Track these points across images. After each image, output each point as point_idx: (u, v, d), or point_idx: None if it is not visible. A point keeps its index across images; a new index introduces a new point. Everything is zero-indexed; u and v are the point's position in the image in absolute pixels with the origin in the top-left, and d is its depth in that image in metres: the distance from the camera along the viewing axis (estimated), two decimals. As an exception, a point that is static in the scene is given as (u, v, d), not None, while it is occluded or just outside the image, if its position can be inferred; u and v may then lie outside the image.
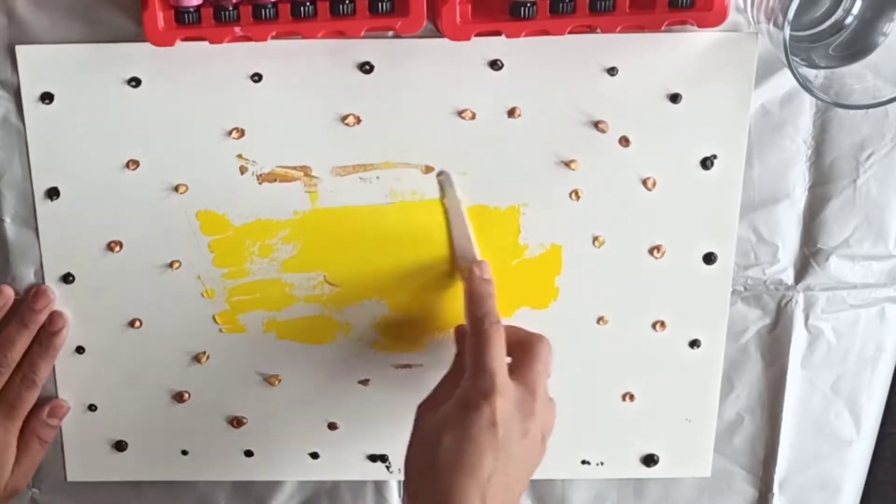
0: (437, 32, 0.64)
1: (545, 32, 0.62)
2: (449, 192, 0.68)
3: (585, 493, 0.77)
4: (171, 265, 0.70)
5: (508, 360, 0.64)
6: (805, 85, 0.58)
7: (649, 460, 0.75)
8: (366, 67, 0.65)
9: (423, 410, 0.64)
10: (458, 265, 0.69)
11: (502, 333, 0.63)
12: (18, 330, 0.69)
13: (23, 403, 0.70)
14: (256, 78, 0.66)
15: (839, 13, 0.62)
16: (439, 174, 0.67)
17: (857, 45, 0.62)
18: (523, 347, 0.65)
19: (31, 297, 0.69)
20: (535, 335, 0.66)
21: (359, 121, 0.67)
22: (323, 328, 0.72)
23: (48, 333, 0.70)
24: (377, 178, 0.68)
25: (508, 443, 0.60)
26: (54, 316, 0.70)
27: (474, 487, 0.58)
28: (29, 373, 0.70)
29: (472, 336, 0.63)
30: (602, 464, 0.76)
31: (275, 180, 0.68)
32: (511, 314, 0.72)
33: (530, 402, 0.62)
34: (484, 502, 0.58)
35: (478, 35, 0.62)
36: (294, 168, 0.67)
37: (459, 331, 0.69)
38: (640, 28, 0.63)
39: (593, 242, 0.70)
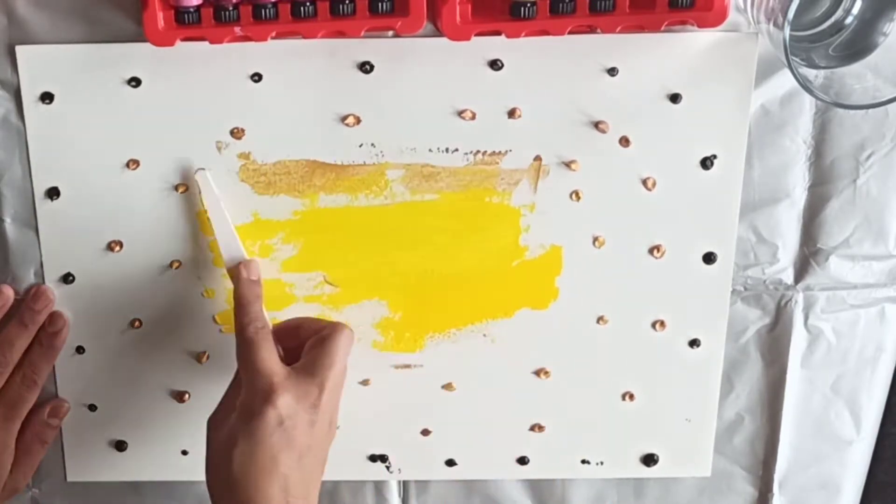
0: (437, 32, 0.64)
1: (545, 32, 0.62)
2: (206, 190, 0.67)
3: (585, 492, 0.77)
4: (171, 265, 0.70)
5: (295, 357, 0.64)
6: (805, 85, 0.58)
7: (649, 460, 0.75)
8: (366, 67, 0.65)
9: (212, 426, 0.64)
10: (226, 266, 0.68)
11: (270, 335, 0.64)
12: (18, 330, 0.69)
13: (23, 403, 0.70)
14: (256, 78, 0.66)
15: (839, 13, 0.62)
16: (196, 171, 0.67)
17: (857, 45, 0.62)
18: (319, 341, 0.65)
19: (30, 297, 0.69)
20: (333, 326, 0.65)
21: (359, 121, 0.67)
22: (323, 328, 0.72)
23: (48, 334, 0.70)
24: (378, 177, 0.68)
25: (297, 437, 0.61)
26: (54, 316, 0.70)
27: (275, 488, 0.60)
28: (29, 373, 0.70)
29: (240, 343, 0.64)
30: (602, 463, 0.76)
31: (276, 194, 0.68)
32: (511, 315, 0.72)
33: (315, 394, 0.62)
34: (287, 500, 0.60)
35: (478, 35, 0.62)
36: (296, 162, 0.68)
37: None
38: (640, 28, 0.63)
39: (593, 243, 0.70)
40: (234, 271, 0.67)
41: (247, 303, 0.65)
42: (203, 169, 0.67)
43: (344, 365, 0.65)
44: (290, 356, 0.66)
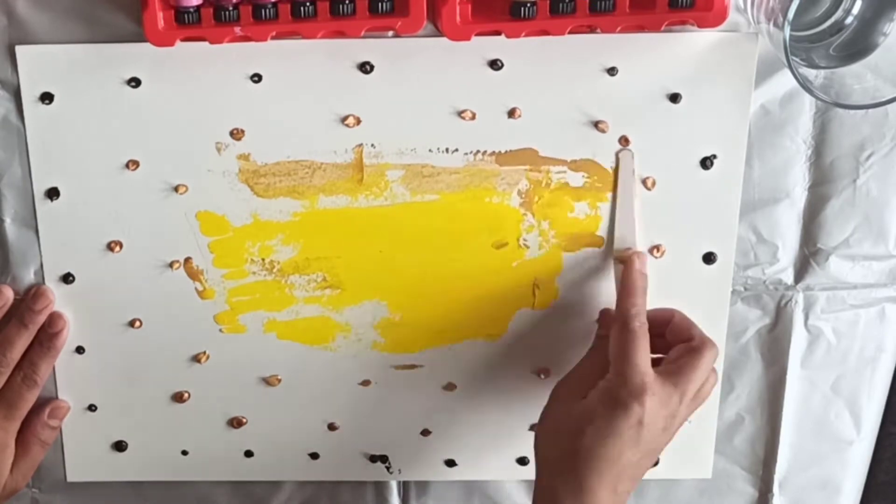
0: (437, 32, 0.64)
1: (545, 32, 0.62)
2: (625, 168, 0.67)
3: (585, 493, 0.77)
4: (171, 265, 0.70)
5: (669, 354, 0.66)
6: (805, 85, 0.58)
7: (649, 460, 0.75)
8: (366, 67, 0.65)
9: (563, 394, 0.66)
10: (615, 247, 0.69)
11: (647, 334, 0.64)
12: (18, 330, 0.69)
13: (23, 404, 0.70)
14: (256, 78, 0.66)
15: (839, 13, 0.62)
16: (620, 151, 0.67)
17: (857, 45, 0.62)
18: (689, 348, 0.66)
19: (30, 297, 0.69)
20: (706, 342, 0.66)
21: (359, 121, 0.67)
22: (323, 329, 0.72)
23: (48, 334, 0.70)
24: (378, 178, 0.68)
25: (649, 440, 0.63)
26: (54, 317, 0.70)
27: (610, 477, 0.62)
28: (29, 373, 0.70)
29: (621, 331, 0.64)
30: (602, 464, 0.76)
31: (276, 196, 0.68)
32: (511, 315, 0.72)
33: (676, 402, 0.64)
34: (616, 490, 0.62)
35: (478, 35, 0.62)
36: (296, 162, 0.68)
37: (605, 314, 0.70)
38: (640, 28, 0.63)
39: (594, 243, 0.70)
40: (626, 257, 0.68)
41: (636, 293, 0.66)
42: (629, 150, 0.67)
43: (704, 379, 0.66)
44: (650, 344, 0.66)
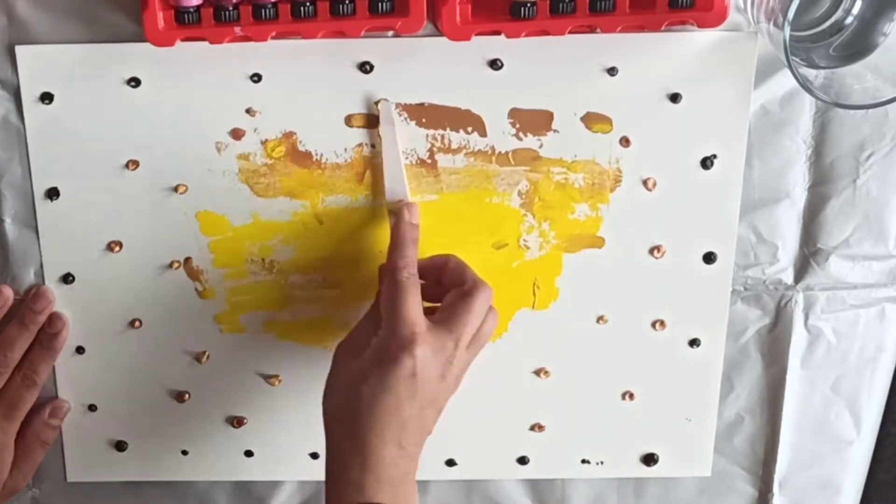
0: (437, 32, 0.64)
1: (545, 32, 0.62)
2: (385, 119, 0.66)
3: (585, 492, 0.77)
4: (171, 265, 0.70)
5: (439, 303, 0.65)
6: (805, 85, 0.58)
7: (649, 459, 0.75)
8: (366, 67, 0.65)
9: (342, 355, 0.65)
10: (386, 199, 0.68)
11: (418, 284, 0.64)
12: (18, 330, 0.69)
13: (22, 404, 0.70)
14: (256, 78, 0.66)
15: (839, 13, 0.62)
16: (378, 101, 0.66)
17: (857, 45, 0.62)
18: (462, 294, 0.65)
19: (30, 297, 0.69)
20: (478, 284, 0.65)
21: (359, 121, 0.67)
22: (323, 329, 0.72)
23: (48, 335, 0.70)
24: (378, 178, 0.68)
25: (426, 389, 0.62)
26: (54, 317, 0.70)
27: (391, 432, 0.61)
28: (29, 373, 0.70)
29: (389, 284, 0.64)
30: (602, 463, 0.76)
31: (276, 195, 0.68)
32: (511, 315, 0.72)
33: (451, 349, 0.63)
34: (400, 445, 0.61)
35: (478, 35, 0.62)
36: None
37: (381, 268, 0.68)
38: (640, 28, 0.63)
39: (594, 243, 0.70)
40: (397, 208, 0.67)
41: (404, 244, 0.65)
42: (387, 100, 0.66)
43: (479, 322, 0.65)
44: (428, 293, 0.65)
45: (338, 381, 0.64)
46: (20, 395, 0.70)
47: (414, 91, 0.66)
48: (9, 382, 0.69)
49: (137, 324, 0.71)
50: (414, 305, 0.62)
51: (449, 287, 0.66)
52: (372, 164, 0.68)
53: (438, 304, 0.66)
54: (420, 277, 0.65)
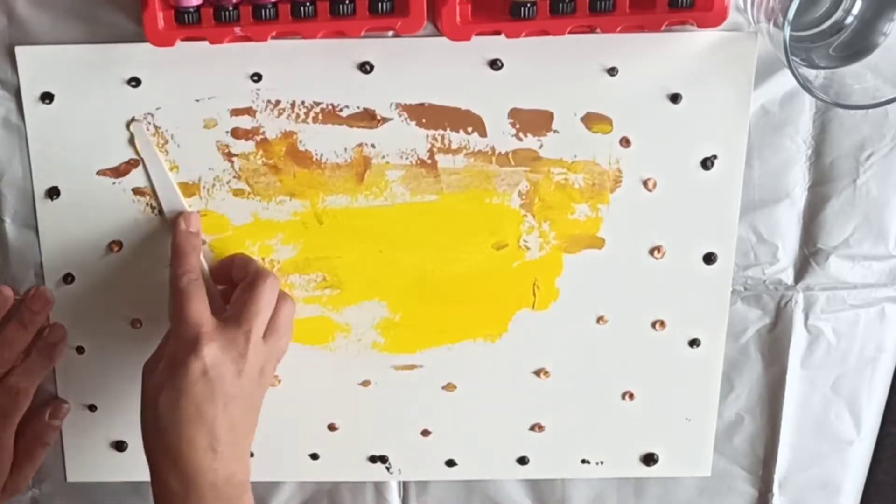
0: (437, 32, 0.64)
1: (545, 32, 0.62)
2: (141, 140, 0.66)
3: (585, 492, 0.77)
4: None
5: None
6: (805, 85, 0.58)
7: (649, 459, 0.75)
8: (366, 67, 0.65)
9: (146, 371, 0.65)
10: (164, 212, 0.68)
11: (202, 287, 0.64)
12: (16, 331, 0.69)
13: (18, 406, 0.69)
14: (256, 78, 0.66)
15: (839, 13, 0.62)
16: (131, 122, 0.66)
17: (857, 45, 0.62)
18: (246, 287, 0.65)
19: (29, 298, 0.69)
20: (261, 273, 0.65)
21: (359, 121, 0.67)
22: (323, 329, 0.72)
23: (47, 344, 0.70)
24: (378, 178, 0.68)
25: (224, 387, 0.62)
26: (55, 328, 0.70)
27: (201, 435, 0.61)
28: (25, 378, 0.69)
29: (174, 292, 0.64)
30: (602, 463, 0.76)
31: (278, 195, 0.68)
32: (511, 315, 0.72)
33: (242, 343, 0.63)
34: (213, 447, 0.61)
35: (478, 35, 0.62)
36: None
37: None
38: (640, 28, 0.63)
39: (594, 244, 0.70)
40: (174, 221, 0.67)
41: (184, 254, 0.66)
42: (139, 121, 0.66)
43: (269, 311, 0.65)
44: (225, 295, 0.67)
45: (143, 398, 0.64)
46: (16, 399, 0.69)
47: (414, 91, 0.66)
48: (4, 385, 0.69)
49: (137, 324, 0.71)
50: (197, 308, 0.63)
51: (238, 284, 0.66)
52: (370, 164, 0.68)
53: None
54: (216, 282, 0.67)
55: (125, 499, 0.77)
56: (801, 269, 0.71)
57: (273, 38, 0.62)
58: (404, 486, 0.77)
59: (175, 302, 0.64)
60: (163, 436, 0.62)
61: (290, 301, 0.67)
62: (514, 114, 0.66)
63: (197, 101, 0.66)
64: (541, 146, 0.67)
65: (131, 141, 0.66)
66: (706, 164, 0.68)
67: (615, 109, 0.66)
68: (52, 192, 0.68)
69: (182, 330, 0.62)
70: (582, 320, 0.72)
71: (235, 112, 0.66)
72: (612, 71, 0.65)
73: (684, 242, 0.70)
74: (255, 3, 0.60)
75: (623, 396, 0.74)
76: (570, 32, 0.62)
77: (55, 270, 0.70)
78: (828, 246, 0.70)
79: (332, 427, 0.75)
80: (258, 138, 0.67)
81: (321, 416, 0.74)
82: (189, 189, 0.68)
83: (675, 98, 0.66)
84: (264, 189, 0.68)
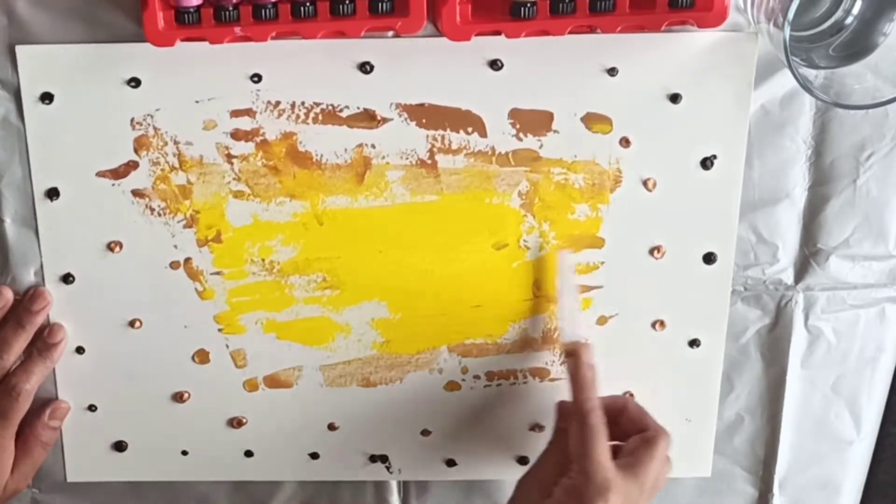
0: (437, 32, 0.64)
1: (545, 32, 0.62)
2: (565, 270, 0.69)
3: (586, 493, 0.77)
4: (170, 265, 0.70)
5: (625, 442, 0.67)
6: (805, 85, 0.58)
7: (649, 460, 0.75)
8: (366, 67, 0.65)
9: (529, 487, 0.67)
10: (562, 340, 0.70)
11: (606, 428, 0.65)
12: (15, 331, 0.69)
13: (18, 407, 0.69)
14: (256, 78, 0.66)
15: (839, 13, 0.62)
16: (561, 251, 0.69)
17: (857, 45, 0.62)
18: (645, 439, 0.67)
19: (28, 298, 0.69)
20: (661, 431, 0.67)
21: (359, 121, 0.67)
22: (323, 329, 0.72)
23: (46, 344, 0.70)
24: (378, 178, 0.68)
25: None
26: (55, 328, 0.70)
27: None
28: (25, 378, 0.69)
29: (580, 428, 0.65)
30: (602, 464, 0.76)
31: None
32: (512, 316, 0.72)
33: (637, 494, 0.64)
34: None
35: (478, 35, 0.62)
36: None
37: (561, 406, 0.71)
38: (640, 28, 0.63)
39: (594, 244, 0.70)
40: (573, 349, 0.68)
41: (588, 386, 0.67)
42: (567, 251, 0.69)
43: (660, 469, 0.67)
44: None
45: None
46: (15, 399, 0.69)
47: (414, 91, 0.66)
48: (3, 386, 0.69)
49: (137, 324, 0.71)
50: (605, 450, 0.64)
51: (626, 428, 0.68)
52: (370, 164, 0.68)
53: (617, 443, 0.67)
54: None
55: (125, 499, 0.77)
56: (802, 270, 0.71)
57: (273, 38, 0.62)
58: (404, 486, 0.77)
59: (583, 438, 0.65)
60: None
61: (670, 460, 0.68)
62: (514, 114, 0.67)
63: (197, 102, 0.66)
64: (541, 146, 0.67)
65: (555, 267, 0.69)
66: (706, 163, 0.68)
67: (615, 109, 0.66)
68: (52, 192, 0.68)
69: (591, 470, 0.63)
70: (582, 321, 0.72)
71: (235, 113, 0.66)
72: (612, 71, 0.65)
73: (684, 242, 0.70)
74: (255, 3, 0.60)
75: (623, 396, 0.74)
76: (570, 32, 0.62)
77: (55, 271, 0.70)
78: (828, 246, 0.70)
79: (332, 427, 0.75)
80: (258, 139, 0.67)
81: (321, 415, 0.74)
82: (187, 191, 0.68)
83: (674, 98, 0.66)
84: (264, 190, 0.68)
